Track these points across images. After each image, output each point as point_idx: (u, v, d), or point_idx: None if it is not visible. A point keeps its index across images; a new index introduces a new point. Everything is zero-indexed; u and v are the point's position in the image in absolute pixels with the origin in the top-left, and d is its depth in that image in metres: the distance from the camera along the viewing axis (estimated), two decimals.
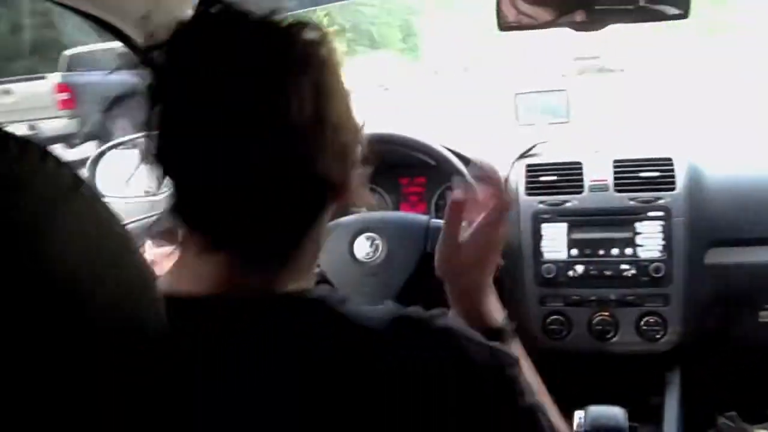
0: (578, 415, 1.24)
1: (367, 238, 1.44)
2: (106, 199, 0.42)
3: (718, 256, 1.53)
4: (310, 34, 0.61)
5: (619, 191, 1.57)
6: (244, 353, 0.56)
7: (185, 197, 0.60)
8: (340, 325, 0.58)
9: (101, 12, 1.20)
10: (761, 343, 1.57)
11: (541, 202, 1.59)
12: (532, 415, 0.63)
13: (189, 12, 0.60)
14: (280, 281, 0.62)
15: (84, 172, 1.42)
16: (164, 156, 0.59)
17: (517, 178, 1.65)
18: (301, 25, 0.61)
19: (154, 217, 1.21)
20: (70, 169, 0.40)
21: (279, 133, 0.58)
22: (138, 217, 1.40)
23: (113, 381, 0.40)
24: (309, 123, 0.59)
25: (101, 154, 1.42)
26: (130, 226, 1.27)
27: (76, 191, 0.39)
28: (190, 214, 0.61)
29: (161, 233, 1.28)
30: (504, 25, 1.25)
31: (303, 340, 0.57)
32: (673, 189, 1.54)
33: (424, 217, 1.50)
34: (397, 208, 1.80)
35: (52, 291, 0.36)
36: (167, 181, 0.60)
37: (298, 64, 0.59)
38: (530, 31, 1.27)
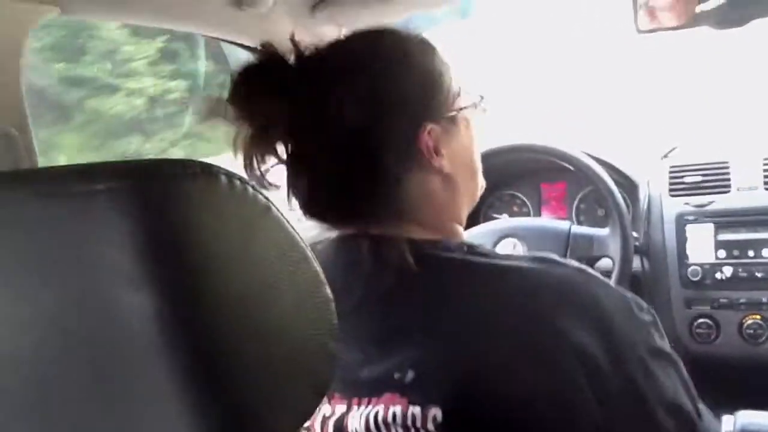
0: (727, 420, 1.23)
1: (510, 243, 1.50)
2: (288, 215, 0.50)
3: None
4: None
5: None
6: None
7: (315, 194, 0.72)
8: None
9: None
10: None
11: (686, 204, 1.57)
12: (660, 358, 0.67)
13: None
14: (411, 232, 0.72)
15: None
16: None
17: (659, 179, 1.64)
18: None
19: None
20: (263, 193, 0.45)
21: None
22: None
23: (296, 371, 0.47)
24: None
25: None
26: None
27: (268, 213, 0.45)
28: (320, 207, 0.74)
29: None
30: (642, 30, 1.26)
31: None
32: None
33: (565, 224, 1.53)
34: (538, 213, 1.83)
35: (245, 299, 0.43)
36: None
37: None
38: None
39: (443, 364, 0.62)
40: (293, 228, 0.47)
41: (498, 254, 0.70)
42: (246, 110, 0.71)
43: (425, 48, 0.75)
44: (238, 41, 1.27)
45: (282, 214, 0.46)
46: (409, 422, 0.62)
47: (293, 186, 0.73)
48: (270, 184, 0.73)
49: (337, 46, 0.74)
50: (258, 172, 0.72)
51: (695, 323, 1.52)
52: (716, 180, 1.58)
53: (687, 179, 1.61)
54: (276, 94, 0.70)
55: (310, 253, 0.48)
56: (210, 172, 0.42)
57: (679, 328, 1.52)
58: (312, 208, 0.74)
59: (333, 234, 0.76)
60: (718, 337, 1.50)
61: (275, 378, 0.45)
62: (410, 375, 0.62)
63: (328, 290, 0.49)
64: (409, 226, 0.73)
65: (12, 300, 0.44)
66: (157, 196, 0.40)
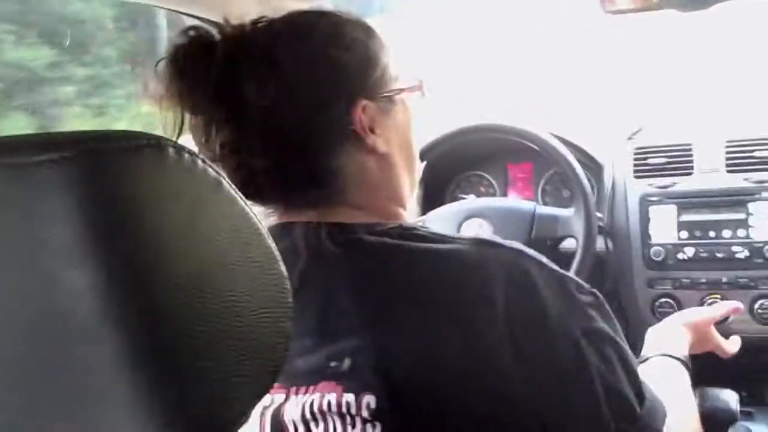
0: None
1: (475, 223, 1.50)
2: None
3: None
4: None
5: (731, 172, 1.54)
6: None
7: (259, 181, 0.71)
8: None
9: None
10: None
11: (650, 185, 1.59)
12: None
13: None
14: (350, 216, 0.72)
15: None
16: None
17: (624, 161, 1.65)
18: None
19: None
20: (213, 167, 0.44)
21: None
22: None
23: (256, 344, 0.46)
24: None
25: None
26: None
27: (220, 187, 0.43)
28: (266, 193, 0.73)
29: None
30: (609, 10, 1.26)
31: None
32: None
33: (530, 204, 1.54)
34: (504, 193, 1.84)
35: (196, 278, 0.41)
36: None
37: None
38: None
39: (378, 351, 0.62)
40: (246, 203, 0.45)
41: (435, 235, 0.69)
42: (174, 96, 0.69)
43: (362, 28, 0.74)
44: (203, 16, 1.23)
45: (234, 189, 0.45)
46: (344, 410, 0.61)
47: (229, 171, 0.71)
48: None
49: (267, 23, 0.72)
50: (207, 153, 0.70)
51: (657, 302, 1.53)
52: (679, 162, 1.60)
53: (651, 161, 1.62)
54: (198, 78, 0.68)
55: (263, 229, 0.46)
56: (158, 144, 0.40)
57: (642, 307, 1.54)
58: (248, 194, 0.72)
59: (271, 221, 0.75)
60: None
61: (228, 358, 0.44)
62: (347, 363, 0.62)
63: (282, 267, 0.47)
64: (344, 209, 0.72)
65: None
66: (101, 168, 0.38)
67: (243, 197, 0.45)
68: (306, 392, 0.64)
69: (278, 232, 0.71)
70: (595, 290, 0.70)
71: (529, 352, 0.62)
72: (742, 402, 1.26)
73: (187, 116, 0.70)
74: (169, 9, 1.23)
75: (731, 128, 1.62)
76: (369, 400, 0.60)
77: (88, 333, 0.38)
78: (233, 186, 0.45)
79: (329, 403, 0.62)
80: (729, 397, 1.24)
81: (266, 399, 0.65)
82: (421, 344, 0.62)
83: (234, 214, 0.45)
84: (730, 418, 1.22)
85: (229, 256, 0.44)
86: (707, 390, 1.26)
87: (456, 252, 0.66)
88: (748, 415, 1.46)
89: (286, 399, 0.65)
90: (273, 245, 0.47)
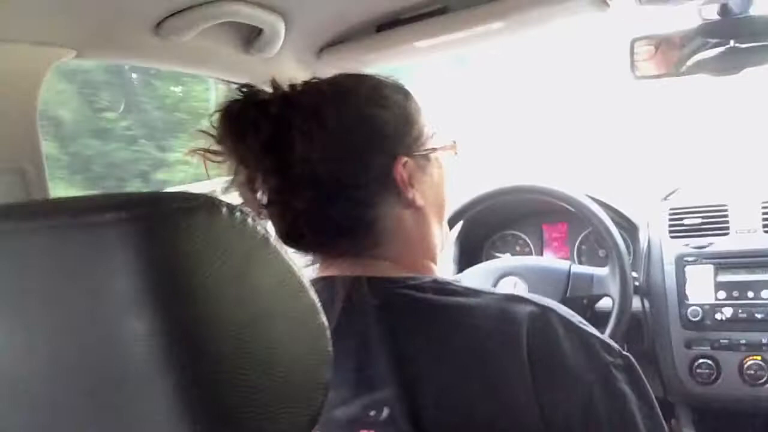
0: None
1: (510, 282, 1.52)
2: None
3: None
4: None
5: None
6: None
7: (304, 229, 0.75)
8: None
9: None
10: None
11: (686, 245, 1.59)
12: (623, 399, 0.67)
13: None
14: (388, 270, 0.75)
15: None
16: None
17: (659, 221, 1.66)
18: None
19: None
20: (261, 225, 0.47)
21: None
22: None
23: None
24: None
25: None
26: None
27: (267, 244, 0.47)
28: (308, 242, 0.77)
29: None
30: (639, 76, 1.30)
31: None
32: None
33: (565, 263, 1.55)
34: (540, 253, 1.85)
35: (243, 328, 0.44)
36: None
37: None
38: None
39: (414, 401, 0.65)
40: (290, 259, 0.49)
41: (468, 290, 0.72)
42: (226, 148, 0.74)
43: (401, 91, 0.79)
44: (231, 80, 1.30)
45: (280, 245, 0.48)
46: None
47: (275, 218, 0.76)
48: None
49: (314, 84, 0.78)
50: (255, 206, 0.75)
51: (695, 364, 1.51)
52: (715, 222, 1.60)
53: (687, 221, 1.63)
54: (249, 132, 0.73)
55: (306, 283, 0.49)
56: (212, 204, 0.44)
57: (679, 369, 1.52)
58: (291, 239, 0.76)
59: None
60: (719, 378, 1.50)
61: (269, 405, 0.47)
62: (385, 413, 0.65)
63: (324, 318, 0.51)
64: (381, 262, 0.76)
65: (17, 328, 0.46)
66: (160, 227, 0.42)
67: (287, 253, 0.49)
68: None
69: (319, 284, 0.74)
70: (627, 354, 0.71)
71: (549, 402, 0.64)
72: None
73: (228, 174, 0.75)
74: (216, 78, 1.31)
75: (767, 189, 1.63)
76: None
77: (144, 378, 0.42)
78: (280, 242, 0.48)
79: None
80: None
81: None
82: (451, 395, 0.65)
83: (280, 268, 0.48)
84: None
85: (274, 307, 0.47)
86: None
87: (484, 305, 0.69)
88: None
89: None
90: (315, 298, 0.50)
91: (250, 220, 0.46)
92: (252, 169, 0.75)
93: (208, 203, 0.44)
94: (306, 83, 0.78)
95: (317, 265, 0.80)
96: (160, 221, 0.42)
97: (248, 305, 0.46)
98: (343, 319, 0.70)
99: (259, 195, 0.76)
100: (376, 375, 0.67)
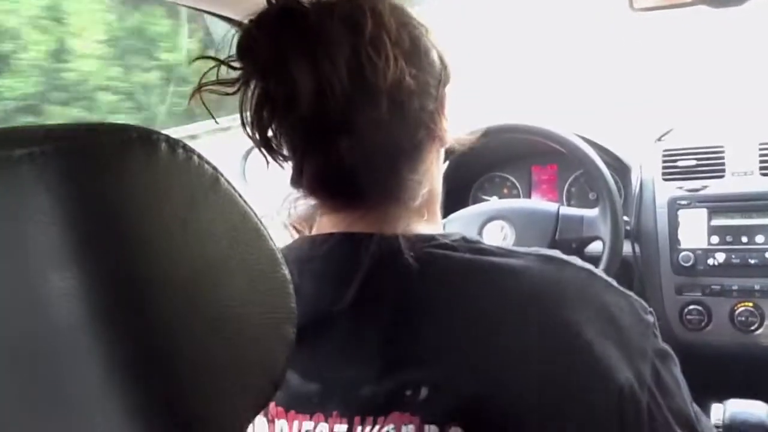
0: (717, 408, 1.21)
1: (497, 226, 1.47)
2: (248, 191, 0.45)
3: None
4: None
5: (766, 175, 1.49)
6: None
7: (311, 170, 0.66)
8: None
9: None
10: None
11: (679, 188, 1.54)
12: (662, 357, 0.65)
13: None
14: (402, 224, 0.67)
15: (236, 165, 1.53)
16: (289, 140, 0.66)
17: (653, 163, 1.60)
18: None
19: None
20: (210, 164, 0.41)
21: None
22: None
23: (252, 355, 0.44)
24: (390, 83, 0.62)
25: (250, 152, 1.52)
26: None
27: (217, 184, 0.41)
28: (316, 184, 0.67)
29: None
30: (638, 8, 1.23)
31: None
32: None
33: (553, 205, 1.51)
34: (528, 195, 1.80)
35: (190, 283, 0.39)
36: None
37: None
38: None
39: (460, 378, 0.57)
40: (246, 202, 0.43)
41: (501, 250, 0.65)
42: (259, 63, 0.63)
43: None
44: (222, 13, 1.23)
45: (233, 187, 0.42)
46: None
47: (304, 157, 0.66)
48: (275, 152, 0.67)
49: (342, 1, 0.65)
50: (265, 139, 0.66)
51: (686, 310, 1.49)
52: (711, 164, 1.55)
53: (681, 163, 1.58)
54: (294, 49, 0.61)
55: (264, 230, 0.43)
56: (149, 138, 0.37)
57: (669, 314, 1.50)
58: (322, 185, 0.67)
59: (316, 227, 0.70)
60: (709, 325, 1.48)
61: (226, 366, 0.41)
62: (424, 392, 0.57)
63: (286, 270, 0.45)
64: (414, 218, 0.68)
65: None
66: (86, 163, 0.35)
67: (242, 196, 0.43)
68: (375, 423, 0.58)
69: (339, 241, 0.66)
70: (651, 309, 0.68)
71: (612, 374, 0.59)
72: None
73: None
74: (191, 7, 1.23)
75: (765, 130, 1.57)
76: (455, 430, 0.56)
77: (73, 340, 0.36)
78: (231, 184, 0.42)
79: None
80: (759, 409, 1.20)
81: (324, 429, 0.61)
82: (502, 366, 0.58)
83: (233, 212, 0.42)
84: (761, 431, 1.18)
85: (225, 257, 0.41)
86: (736, 402, 1.22)
87: (530, 270, 0.63)
88: None
89: (350, 430, 0.60)
90: (275, 247, 0.45)
91: (195, 157, 0.40)
92: (282, 87, 0.62)
93: (143, 136, 0.37)
94: None
95: (321, 216, 0.70)
96: (83, 158, 0.35)
97: (195, 256, 0.39)
98: (371, 283, 0.62)
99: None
100: (412, 349, 0.60)
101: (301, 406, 0.61)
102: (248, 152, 1.52)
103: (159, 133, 0.38)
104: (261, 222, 0.44)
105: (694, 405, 0.68)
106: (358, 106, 0.62)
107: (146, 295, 0.37)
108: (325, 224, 0.69)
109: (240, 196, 0.43)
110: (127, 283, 0.36)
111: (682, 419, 0.63)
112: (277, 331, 0.45)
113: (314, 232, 0.70)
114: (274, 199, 0.74)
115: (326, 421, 0.60)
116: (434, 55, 0.68)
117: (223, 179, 0.41)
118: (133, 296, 0.37)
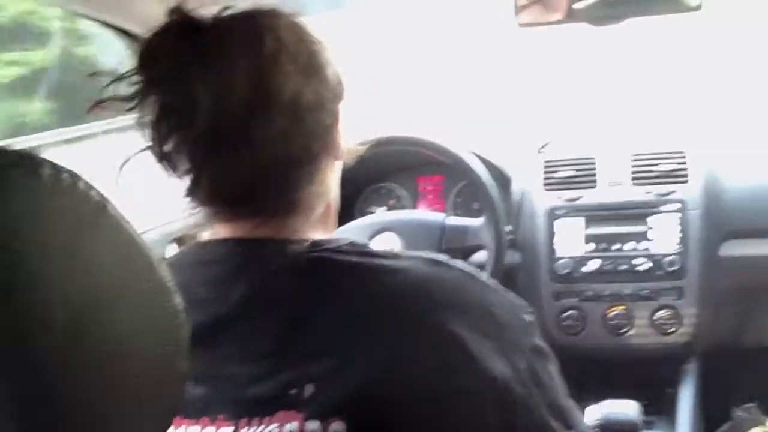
0: (592, 410, 1.26)
1: (384, 238, 1.47)
2: (131, 209, 0.43)
3: (733, 248, 1.53)
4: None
5: (637, 185, 1.57)
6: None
7: (209, 181, 0.67)
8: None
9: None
10: None
11: (558, 198, 1.60)
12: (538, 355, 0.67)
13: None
14: (298, 232, 0.69)
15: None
16: (182, 149, 0.66)
17: (535, 173, 1.65)
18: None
19: (175, 222, 1.23)
20: (97, 190, 0.39)
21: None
22: (160, 223, 1.42)
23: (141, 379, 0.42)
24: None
25: (126, 161, 1.45)
26: (152, 232, 1.31)
27: (104, 212, 0.39)
28: (213, 195, 0.68)
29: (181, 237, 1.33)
30: (522, 23, 1.27)
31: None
32: (686, 181, 1.54)
33: (439, 215, 1.53)
34: (414, 206, 1.81)
35: (78, 319, 0.37)
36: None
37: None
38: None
39: (342, 374, 0.58)
40: (133, 230, 0.41)
41: (389, 254, 0.68)
42: (158, 76, 0.64)
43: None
44: (121, 25, 1.18)
45: (120, 214, 0.40)
46: None
47: (202, 169, 0.67)
48: (173, 166, 0.67)
49: (240, 17, 0.68)
50: (163, 153, 0.66)
51: (563, 315, 1.55)
52: (584, 175, 1.62)
53: (559, 174, 1.64)
54: (193, 63, 0.63)
55: (154, 258, 0.41)
56: (31, 162, 0.35)
57: (548, 320, 1.55)
58: (219, 196, 0.68)
59: (210, 235, 0.70)
60: (584, 329, 1.54)
61: (117, 403, 0.40)
62: (309, 390, 0.58)
63: (178, 300, 0.43)
64: (311, 228, 0.70)
65: None
66: None
67: (130, 223, 0.41)
68: (260, 424, 0.59)
69: (226, 247, 0.67)
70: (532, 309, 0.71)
71: (489, 370, 0.61)
72: (643, 412, 1.28)
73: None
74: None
75: (637, 141, 1.66)
76: (337, 426, 0.56)
77: None
78: (119, 211, 0.40)
79: None
80: (630, 408, 1.26)
81: None
82: (383, 363, 0.59)
83: (121, 240, 0.40)
84: (632, 428, 1.24)
85: (113, 290, 0.39)
86: (610, 402, 1.27)
87: (413, 271, 0.65)
88: (649, 425, 1.49)
89: None
90: (166, 275, 0.43)
91: (81, 183, 0.37)
92: (181, 101, 0.64)
93: (26, 160, 0.35)
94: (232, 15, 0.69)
95: (216, 225, 0.71)
96: None
97: (81, 286, 0.37)
98: (262, 285, 0.63)
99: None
100: (297, 348, 0.60)
101: (187, 410, 0.60)
102: (124, 163, 1.45)
103: (42, 158, 0.36)
104: (150, 250, 0.42)
105: (569, 399, 0.71)
106: (257, 120, 0.64)
107: (27, 328, 0.35)
108: (220, 231, 0.70)
109: (128, 223, 0.41)
110: (8, 314, 0.34)
111: (556, 412, 0.65)
112: (171, 364, 0.43)
113: (209, 238, 0.71)
114: (154, 210, 0.72)
115: (213, 424, 0.60)
116: (330, 71, 0.70)
117: (110, 206, 0.39)
118: (12, 331, 0.34)
